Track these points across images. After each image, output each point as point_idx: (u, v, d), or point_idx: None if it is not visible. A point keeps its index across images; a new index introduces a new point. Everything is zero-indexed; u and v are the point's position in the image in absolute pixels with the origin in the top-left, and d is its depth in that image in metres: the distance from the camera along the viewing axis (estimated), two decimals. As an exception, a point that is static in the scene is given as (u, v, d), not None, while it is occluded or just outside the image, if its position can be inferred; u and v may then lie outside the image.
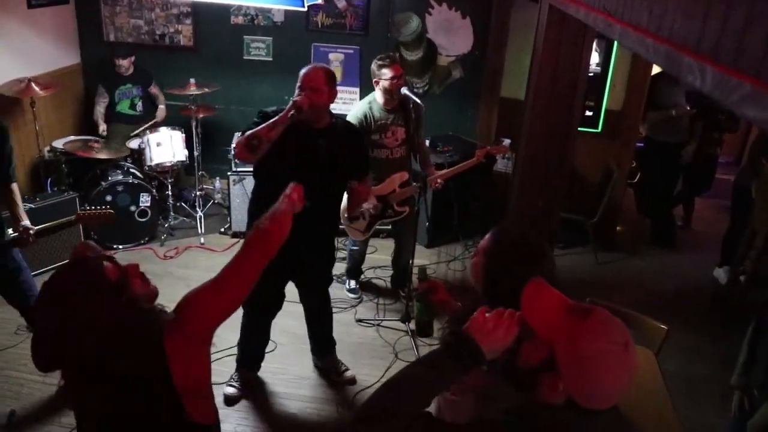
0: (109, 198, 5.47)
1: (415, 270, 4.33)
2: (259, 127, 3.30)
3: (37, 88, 5.42)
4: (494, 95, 6.34)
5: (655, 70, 5.89)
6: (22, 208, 3.65)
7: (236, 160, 5.58)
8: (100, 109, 6.19)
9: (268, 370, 4.19)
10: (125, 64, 6.12)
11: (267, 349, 4.36)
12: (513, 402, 1.59)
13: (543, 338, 1.47)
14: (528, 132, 3.63)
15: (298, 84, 3.38)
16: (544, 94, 3.45)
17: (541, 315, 1.51)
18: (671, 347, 3.55)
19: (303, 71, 3.40)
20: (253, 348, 4.03)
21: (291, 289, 5.17)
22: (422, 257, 5.38)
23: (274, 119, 3.30)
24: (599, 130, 6.08)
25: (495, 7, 6.12)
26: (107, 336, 1.67)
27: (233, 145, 5.22)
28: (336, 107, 6.45)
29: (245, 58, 6.51)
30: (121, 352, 1.68)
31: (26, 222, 3.58)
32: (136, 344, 1.71)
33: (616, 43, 5.79)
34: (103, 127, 6.18)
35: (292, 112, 3.27)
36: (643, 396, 2.97)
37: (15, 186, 3.66)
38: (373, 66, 4.43)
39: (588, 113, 5.95)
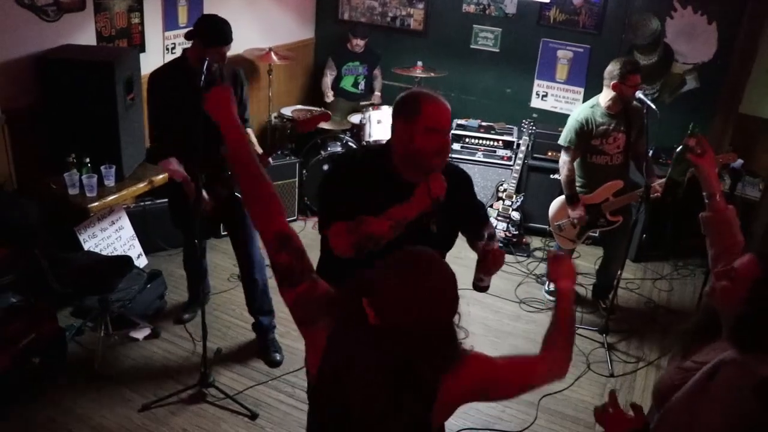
0: (325, 167, 5.74)
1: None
2: (373, 224, 2.27)
3: (275, 58, 5.80)
4: (732, 110, 5.84)
5: None
6: (255, 146, 3.98)
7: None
8: (327, 80, 6.49)
9: (458, 357, 4.20)
10: (360, 44, 6.37)
11: (460, 337, 4.37)
12: None
13: None
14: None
15: (427, 127, 2.24)
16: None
17: None
18: None
19: (428, 107, 2.26)
20: None
21: (496, 284, 5.16)
22: (627, 272, 5.11)
23: (402, 209, 2.27)
24: None
25: (748, 13, 5.61)
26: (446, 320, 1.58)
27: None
28: (558, 106, 6.40)
29: (472, 47, 6.52)
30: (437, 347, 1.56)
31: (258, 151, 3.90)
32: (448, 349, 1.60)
33: None
34: (330, 94, 6.46)
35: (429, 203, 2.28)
36: None
37: (249, 130, 3.99)
38: (615, 68, 4.19)
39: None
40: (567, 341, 1.95)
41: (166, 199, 4.83)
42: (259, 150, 4.00)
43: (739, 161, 5.69)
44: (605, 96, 4.31)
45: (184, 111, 3.46)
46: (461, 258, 5.36)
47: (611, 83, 4.21)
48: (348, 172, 2.44)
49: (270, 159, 3.86)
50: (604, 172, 4.44)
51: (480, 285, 2.53)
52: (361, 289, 1.52)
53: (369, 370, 1.55)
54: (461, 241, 5.65)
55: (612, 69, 4.22)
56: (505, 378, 1.76)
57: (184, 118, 3.45)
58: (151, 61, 4.88)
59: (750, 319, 1.75)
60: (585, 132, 4.31)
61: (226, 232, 5.09)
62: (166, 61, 5.09)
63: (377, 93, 6.62)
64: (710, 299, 1.94)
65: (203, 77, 3.35)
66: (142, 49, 4.82)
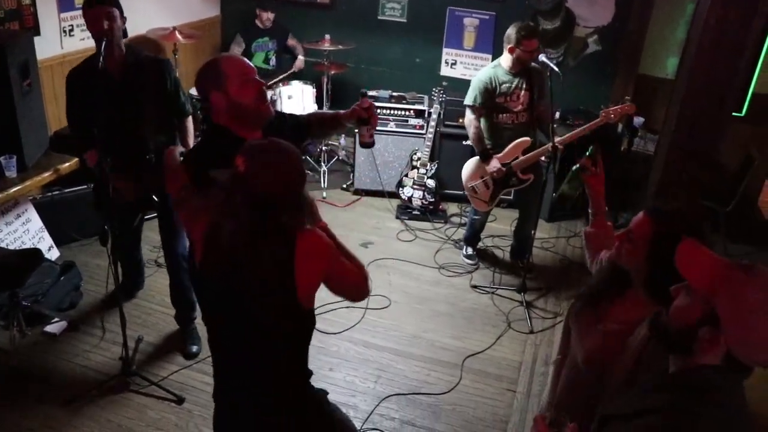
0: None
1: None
2: None
3: (180, 37, 5.65)
4: (631, 71, 6.09)
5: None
6: (189, 142, 3.79)
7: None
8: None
9: (382, 326, 4.27)
10: (267, 16, 6.26)
11: (382, 305, 4.45)
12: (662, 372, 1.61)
13: (702, 293, 1.46)
14: (677, 112, 3.43)
15: (239, 82, 2.47)
16: (701, 71, 3.24)
17: (701, 269, 1.50)
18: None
19: (228, 65, 2.52)
20: None
21: (415, 251, 5.24)
22: (542, 231, 5.29)
23: None
24: (743, 113, 5.72)
25: (642, -23, 5.83)
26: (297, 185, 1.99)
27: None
28: (468, 73, 6.48)
29: (380, 17, 6.54)
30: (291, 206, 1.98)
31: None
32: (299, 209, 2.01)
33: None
34: None
35: None
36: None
37: (188, 120, 3.80)
38: (513, 34, 4.32)
39: (732, 96, 5.61)
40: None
41: (75, 188, 4.70)
42: (191, 143, 3.80)
43: (641, 119, 5.98)
44: (506, 58, 4.45)
45: (101, 108, 3.33)
46: (380, 228, 5.48)
47: (508, 47, 4.35)
48: (207, 161, 2.34)
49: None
50: (510, 131, 4.57)
51: (369, 141, 2.92)
52: (235, 183, 1.93)
53: (244, 233, 1.97)
54: (381, 212, 5.69)
55: (510, 33, 4.36)
56: (345, 267, 2.15)
57: (102, 114, 3.32)
58: (47, 44, 4.68)
59: (656, 275, 1.87)
60: (489, 90, 4.42)
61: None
62: (64, 44, 4.92)
63: (300, 57, 6.53)
64: (617, 260, 2.05)
65: (101, 58, 3.23)
66: (37, 32, 4.60)
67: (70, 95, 3.58)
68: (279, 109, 5.75)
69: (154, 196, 3.69)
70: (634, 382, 1.80)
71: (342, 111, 2.92)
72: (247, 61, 2.56)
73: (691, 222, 1.92)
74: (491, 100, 4.46)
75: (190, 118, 3.84)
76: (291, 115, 3.01)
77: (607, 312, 2.08)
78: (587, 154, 2.48)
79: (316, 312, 2.15)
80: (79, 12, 4.66)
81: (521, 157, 4.54)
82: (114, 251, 4.00)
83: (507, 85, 4.45)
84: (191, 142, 3.80)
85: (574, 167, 2.54)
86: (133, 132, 3.54)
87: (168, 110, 3.71)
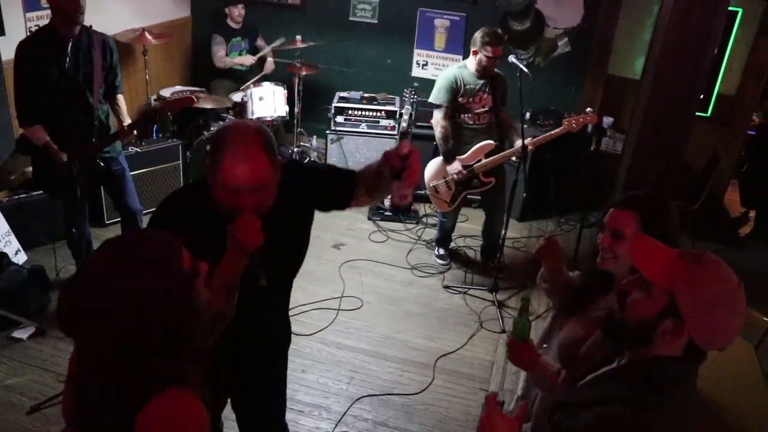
0: (209, 147, 5.60)
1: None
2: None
3: (150, 38, 5.61)
4: (601, 72, 6.16)
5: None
6: (124, 114, 4.09)
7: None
8: (222, 54, 6.25)
9: (355, 327, 4.28)
10: (239, 12, 6.21)
11: (355, 306, 4.45)
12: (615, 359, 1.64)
13: (660, 287, 1.48)
14: (643, 112, 3.48)
15: (223, 184, 1.89)
16: (666, 72, 3.29)
17: (655, 263, 1.52)
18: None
19: (227, 160, 1.88)
20: None
21: (387, 252, 5.22)
22: (513, 231, 5.33)
23: (220, 273, 1.82)
24: (708, 113, 5.83)
25: (610, -22, 5.91)
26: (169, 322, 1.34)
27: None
28: (439, 74, 6.44)
29: (351, 19, 6.54)
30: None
31: (127, 121, 4.07)
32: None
33: (737, 23, 5.53)
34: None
35: None
36: (739, 384, 2.92)
37: (120, 97, 4.09)
38: (478, 37, 4.37)
39: (698, 96, 5.71)
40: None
41: (42, 191, 4.64)
42: (127, 120, 4.07)
43: (610, 119, 6.06)
44: (471, 60, 4.49)
45: (53, 80, 3.60)
46: (352, 230, 5.48)
47: (473, 49, 4.41)
48: (173, 212, 2.04)
49: (135, 131, 4.02)
50: (471, 132, 4.61)
51: (403, 204, 2.01)
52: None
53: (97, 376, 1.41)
54: (352, 213, 5.68)
55: (476, 36, 4.40)
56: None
57: (53, 86, 3.61)
58: (12, 44, 4.59)
59: None
60: (454, 89, 4.47)
61: (110, 221, 4.99)
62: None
63: (270, 59, 6.50)
64: (606, 267, 2.06)
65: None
66: (1, 32, 4.53)
67: (22, 64, 3.67)
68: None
69: (99, 162, 3.90)
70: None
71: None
72: (254, 166, 1.86)
73: (662, 194, 2.01)
74: (454, 99, 4.50)
75: (122, 96, 4.11)
76: (331, 173, 2.37)
77: (593, 304, 2.12)
78: (520, 306, 2.49)
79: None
80: (46, 12, 4.63)
81: (484, 160, 4.58)
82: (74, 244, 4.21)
83: (471, 86, 4.49)
84: (125, 114, 4.09)
85: (514, 322, 2.48)
86: (81, 98, 3.76)
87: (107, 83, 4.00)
